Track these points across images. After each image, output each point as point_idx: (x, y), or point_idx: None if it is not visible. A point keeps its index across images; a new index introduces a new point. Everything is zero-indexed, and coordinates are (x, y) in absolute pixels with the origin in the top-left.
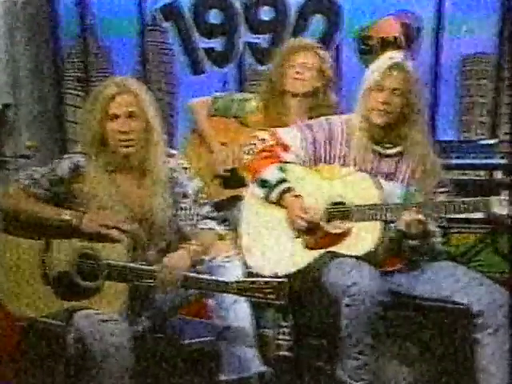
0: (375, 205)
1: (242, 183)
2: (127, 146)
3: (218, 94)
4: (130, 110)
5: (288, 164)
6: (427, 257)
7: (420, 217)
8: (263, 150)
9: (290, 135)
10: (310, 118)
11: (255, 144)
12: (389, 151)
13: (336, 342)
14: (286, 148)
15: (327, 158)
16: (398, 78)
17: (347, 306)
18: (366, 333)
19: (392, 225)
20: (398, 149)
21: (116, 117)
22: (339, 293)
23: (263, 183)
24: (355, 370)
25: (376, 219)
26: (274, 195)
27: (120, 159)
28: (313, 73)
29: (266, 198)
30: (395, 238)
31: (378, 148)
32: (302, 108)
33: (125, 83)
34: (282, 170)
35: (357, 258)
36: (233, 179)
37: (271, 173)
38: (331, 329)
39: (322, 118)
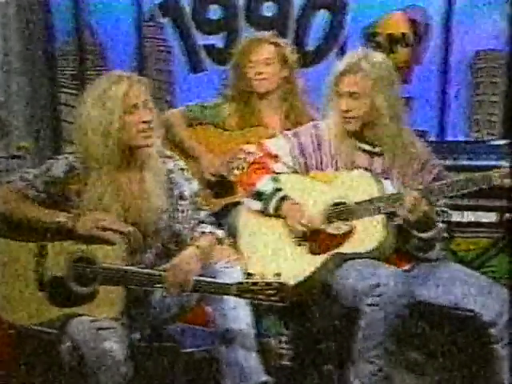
0: (375, 198)
1: (232, 190)
2: (148, 137)
3: (189, 103)
4: (146, 99)
5: (281, 174)
6: (433, 254)
7: (418, 196)
8: (253, 163)
9: (278, 145)
10: (285, 112)
11: (243, 158)
12: (379, 149)
13: (345, 348)
14: (275, 159)
15: (318, 164)
16: (352, 81)
17: (371, 305)
18: (386, 336)
19: (396, 217)
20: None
21: (135, 108)
22: (359, 294)
23: (258, 196)
24: (370, 375)
25: (378, 213)
26: (271, 206)
27: (128, 154)
28: (275, 66)
29: (264, 211)
30: (402, 229)
31: (368, 147)
32: (273, 103)
33: (130, 75)
34: (275, 180)
35: (362, 255)
36: (223, 187)
37: (265, 184)
38: (340, 334)
39: (310, 124)
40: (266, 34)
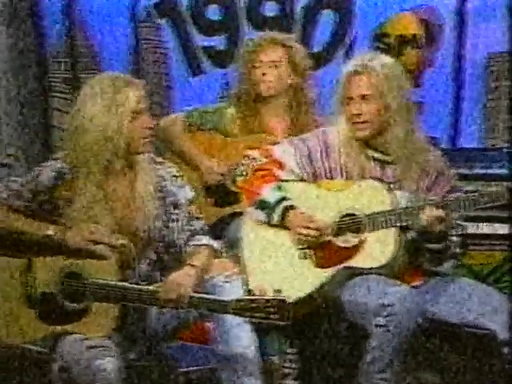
0: (387, 211)
1: (233, 199)
2: (149, 144)
3: (190, 108)
4: (147, 104)
5: (286, 182)
6: (446, 266)
7: (440, 213)
8: (257, 170)
9: (284, 151)
10: (291, 119)
11: (248, 164)
12: (391, 157)
13: (353, 368)
14: (280, 165)
15: (327, 172)
16: (362, 83)
17: (379, 326)
18: (396, 357)
19: (409, 231)
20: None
21: (141, 114)
22: (368, 313)
23: (262, 205)
24: None
25: (391, 226)
26: (275, 216)
27: (125, 160)
28: (282, 70)
29: (268, 221)
30: (415, 242)
31: (379, 155)
32: (279, 109)
33: (133, 79)
34: (280, 188)
35: (371, 271)
36: (223, 196)
37: (269, 193)
38: (347, 353)
39: (318, 130)
40: (278, 34)
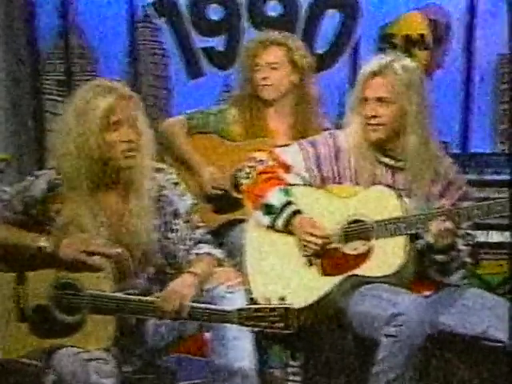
0: (397, 218)
1: (235, 205)
2: (130, 158)
3: (192, 110)
4: (132, 116)
5: (293, 186)
6: (455, 277)
7: (449, 225)
8: (262, 172)
9: (291, 154)
10: (295, 121)
11: (253, 166)
12: (402, 163)
13: (360, 382)
14: (287, 168)
15: (335, 177)
16: (381, 85)
17: (390, 336)
18: (406, 369)
19: (419, 240)
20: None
21: (117, 125)
22: (376, 323)
23: (267, 209)
24: None
25: (400, 234)
26: (280, 221)
27: (111, 174)
28: (283, 71)
29: (273, 226)
30: (423, 253)
31: (390, 161)
32: (282, 110)
33: (119, 87)
34: (286, 192)
35: (380, 279)
36: (225, 202)
37: (275, 196)
38: (354, 366)
39: (326, 133)
40: (276, 34)
